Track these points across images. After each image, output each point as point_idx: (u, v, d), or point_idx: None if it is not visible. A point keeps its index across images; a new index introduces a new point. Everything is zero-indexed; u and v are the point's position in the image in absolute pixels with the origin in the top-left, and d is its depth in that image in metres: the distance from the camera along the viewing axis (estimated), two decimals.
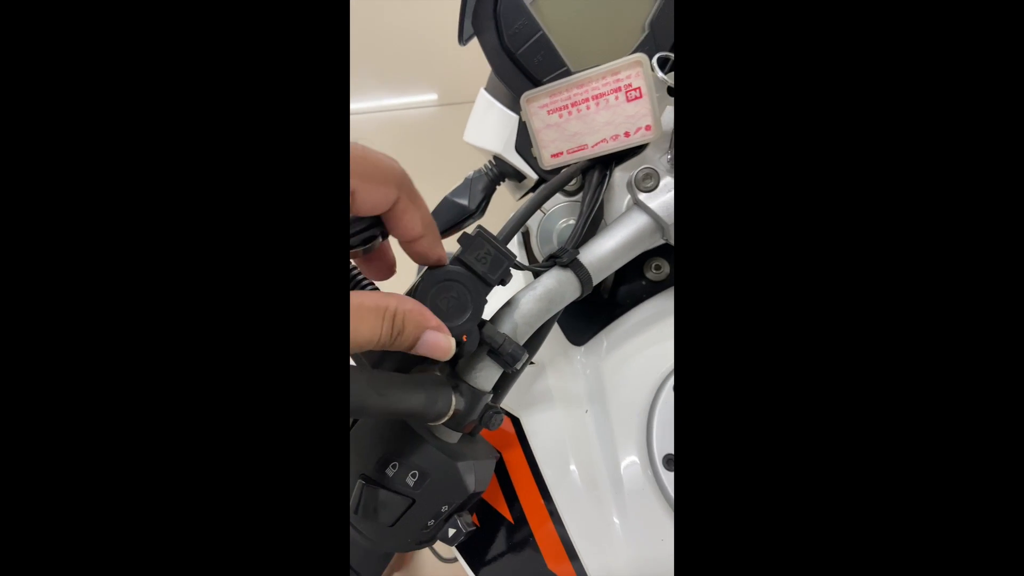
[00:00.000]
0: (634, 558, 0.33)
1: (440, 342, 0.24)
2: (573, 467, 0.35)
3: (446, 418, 0.27)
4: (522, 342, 0.30)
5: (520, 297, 0.30)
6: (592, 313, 0.40)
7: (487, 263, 0.26)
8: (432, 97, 1.16)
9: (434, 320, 0.24)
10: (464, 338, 0.27)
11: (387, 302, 0.22)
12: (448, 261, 0.27)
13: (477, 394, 0.29)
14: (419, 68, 1.14)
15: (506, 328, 0.29)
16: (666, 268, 0.40)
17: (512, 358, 0.28)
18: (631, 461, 0.34)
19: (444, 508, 0.28)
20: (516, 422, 0.38)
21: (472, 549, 0.38)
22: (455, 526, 0.29)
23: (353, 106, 1.15)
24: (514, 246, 0.43)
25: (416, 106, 1.16)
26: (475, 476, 0.29)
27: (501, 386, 0.33)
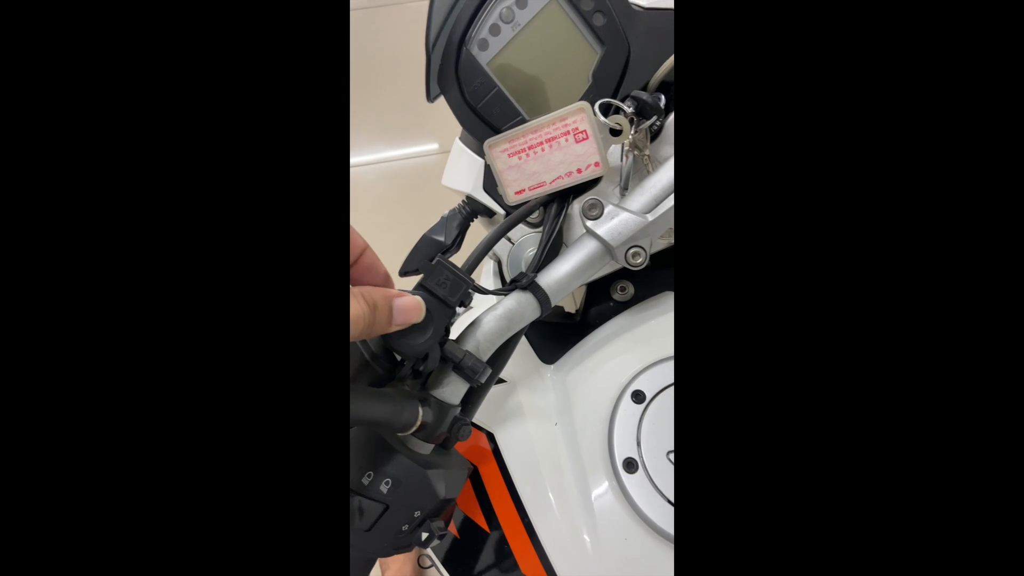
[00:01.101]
0: (603, 561, 0.34)
1: (409, 303, 0.26)
2: (544, 478, 0.37)
3: (414, 428, 0.30)
4: (485, 358, 0.33)
5: (483, 317, 0.33)
6: (564, 333, 0.43)
7: (447, 287, 0.30)
8: (433, 146, 1.23)
9: (392, 289, 0.26)
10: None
11: (353, 286, 0.24)
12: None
13: (445, 407, 0.32)
14: (420, 119, 1.22)
15: (469, 345, 0.32)
16: (631, 289, 0.43)
17: (472, 371, 0.31)
18: (594, 465, 0.36)
19: (417, 514, 0.31)
20: (491, 437, 0.40)
21: (455, 564, 0.39)
22: (428, 531, 0.31)
23: (360, 158, 1.23)
24: (489, 276, 0.46)
25: (419, 155, 1.24)
26: (445, 483, 0.31)
27: (471, 401, 0.35)
